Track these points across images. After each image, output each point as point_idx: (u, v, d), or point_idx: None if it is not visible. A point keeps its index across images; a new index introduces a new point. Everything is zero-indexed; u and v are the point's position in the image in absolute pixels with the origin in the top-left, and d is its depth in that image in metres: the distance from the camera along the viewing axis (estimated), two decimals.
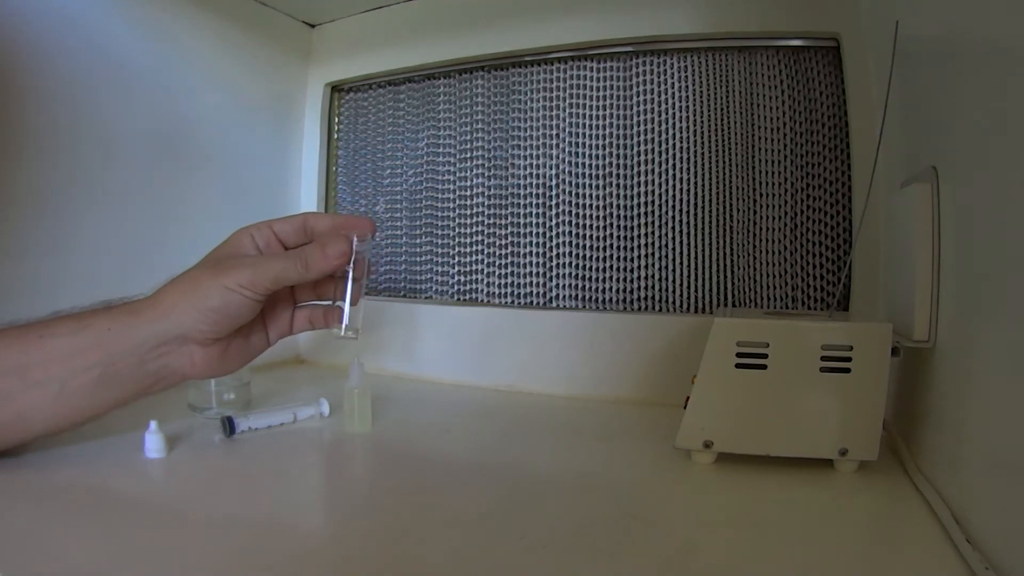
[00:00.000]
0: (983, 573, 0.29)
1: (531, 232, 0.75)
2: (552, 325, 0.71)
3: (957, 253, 0.39)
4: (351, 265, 0.48)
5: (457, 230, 0.79)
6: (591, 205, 0.72)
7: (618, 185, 0.71)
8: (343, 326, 0.49)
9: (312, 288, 0.52)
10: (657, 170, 0.69)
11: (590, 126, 0.72)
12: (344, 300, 0.49)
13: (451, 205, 0.80)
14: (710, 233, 0.67)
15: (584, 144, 0.72)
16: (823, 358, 0.42)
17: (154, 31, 0.68)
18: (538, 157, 0.75)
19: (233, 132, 0.78)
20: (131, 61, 0.66)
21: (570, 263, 0.73)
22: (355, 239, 0.47)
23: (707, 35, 0.66)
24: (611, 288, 0.71)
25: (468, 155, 0.79)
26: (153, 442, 0.46)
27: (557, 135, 0.74)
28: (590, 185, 0.72)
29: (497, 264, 0.77)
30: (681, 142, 0.68)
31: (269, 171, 0.84)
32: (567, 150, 0.73)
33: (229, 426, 0.51)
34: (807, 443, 0.44)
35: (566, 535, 0.35)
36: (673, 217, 0.68)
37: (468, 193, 0.79)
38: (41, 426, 0.42)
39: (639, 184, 0.70)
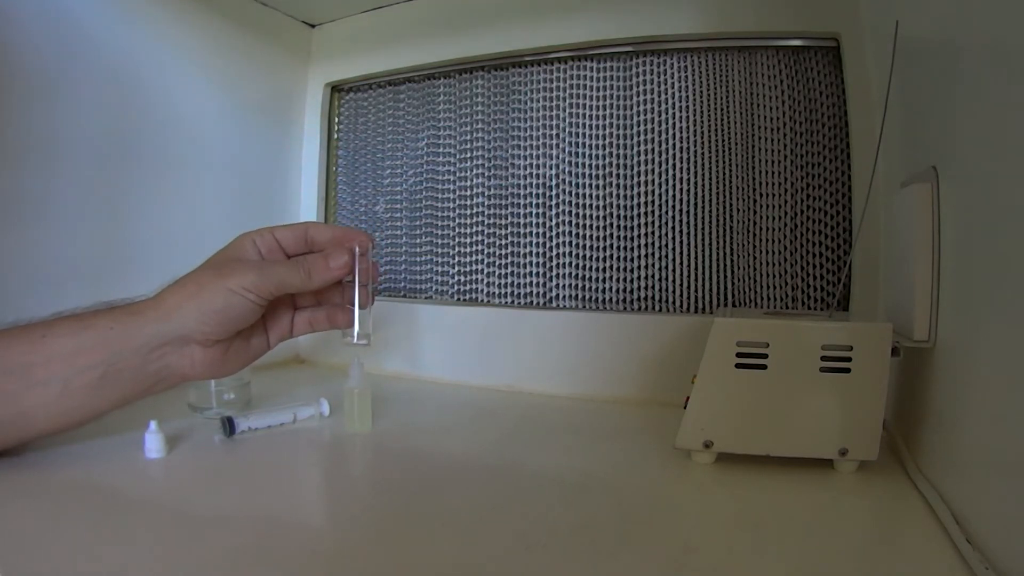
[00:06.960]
0: (983, 573, 0.29)
1: (531, 232, 0.75)
2: (552, 325, 0.71)
3: (957, 253, 0.39)
4: (356, 273, 0.48)
5: (457, 230, 0.79)
6: (591, 205, 0.72)
7: (618, 185, 0.71)
8: (355, 333, 0.49)
9: (313, 294, 0.52)
10: (657, 170, 0.69)
11: (590, 126, 0.72)
12: (354, 306, 0.49)
13: (451, 205, 0.80)
14: (710, 233, 0.67)
15: (584, 144, 0.72)
16: (823, 358, 0.42)
17: (153, 30, 0.68)
18: (538, 157, 0.75)
19: (233, 132, 0.78)
20: (130, 60, 0.66)
21: (570, 263, 0.73)
22: (356, 250, 0.48)
23: (707, 35, 0.66)
24: (611, 288, 0.71)
25: (468, 155, 0.79)
26: (153, 442, 0.46)
27: (557, 135, 0.74)
28: (590, 185, 0.72)
29: (497, 264, 0.77)
30: (681, 142, 0.68)
31: (269, 171, 0.84)
32: (567, 150, 0.73)
33: (229, 426, 0.51)
34: (807, 443, 0.44)
35: (566, 535, 0.35)
36: (673, 217, 0.68)
37: (468, 193, 0.79)
38: (43, 425, 0.42)
39: (639, 184, 0.70)
